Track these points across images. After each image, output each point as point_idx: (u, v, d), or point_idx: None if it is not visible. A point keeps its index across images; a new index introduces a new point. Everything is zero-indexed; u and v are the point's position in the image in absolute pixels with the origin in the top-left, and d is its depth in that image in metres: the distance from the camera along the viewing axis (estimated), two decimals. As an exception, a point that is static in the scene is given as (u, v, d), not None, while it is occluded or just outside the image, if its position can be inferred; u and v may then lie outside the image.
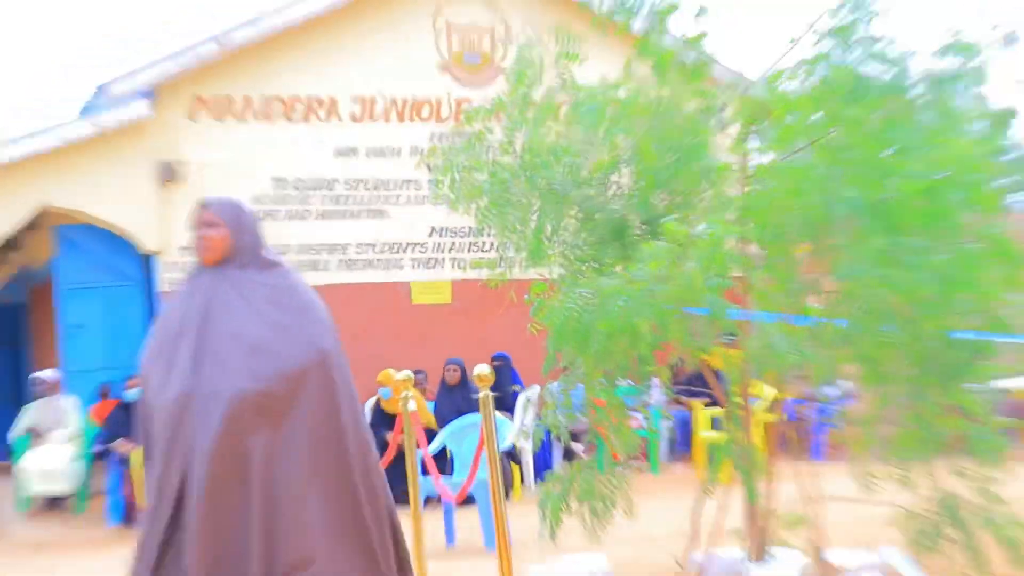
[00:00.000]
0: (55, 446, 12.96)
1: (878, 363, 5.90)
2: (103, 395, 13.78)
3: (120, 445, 12.06)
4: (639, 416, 12.87)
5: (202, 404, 4.58)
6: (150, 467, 4.84)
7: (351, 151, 14.80)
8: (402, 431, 7.86)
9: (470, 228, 8.41)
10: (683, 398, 13.77)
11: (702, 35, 6.61)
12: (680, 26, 6.65)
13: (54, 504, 13.05)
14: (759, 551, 6.49)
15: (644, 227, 6.54)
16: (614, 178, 6.73)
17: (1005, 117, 6.08)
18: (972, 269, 5.47)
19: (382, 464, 5.32)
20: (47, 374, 13.76)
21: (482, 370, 6.22)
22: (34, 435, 13.08)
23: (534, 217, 6.67)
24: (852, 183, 5.59)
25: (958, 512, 6.08)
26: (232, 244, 4.87)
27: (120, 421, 12.22)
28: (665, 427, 13.97)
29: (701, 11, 6.56)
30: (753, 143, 6.53)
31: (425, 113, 15.02)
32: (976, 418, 6.02)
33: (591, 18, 6.99)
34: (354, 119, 14.82)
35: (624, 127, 6.56)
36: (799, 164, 5.84)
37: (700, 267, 5.46)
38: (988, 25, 6.13)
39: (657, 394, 13.21)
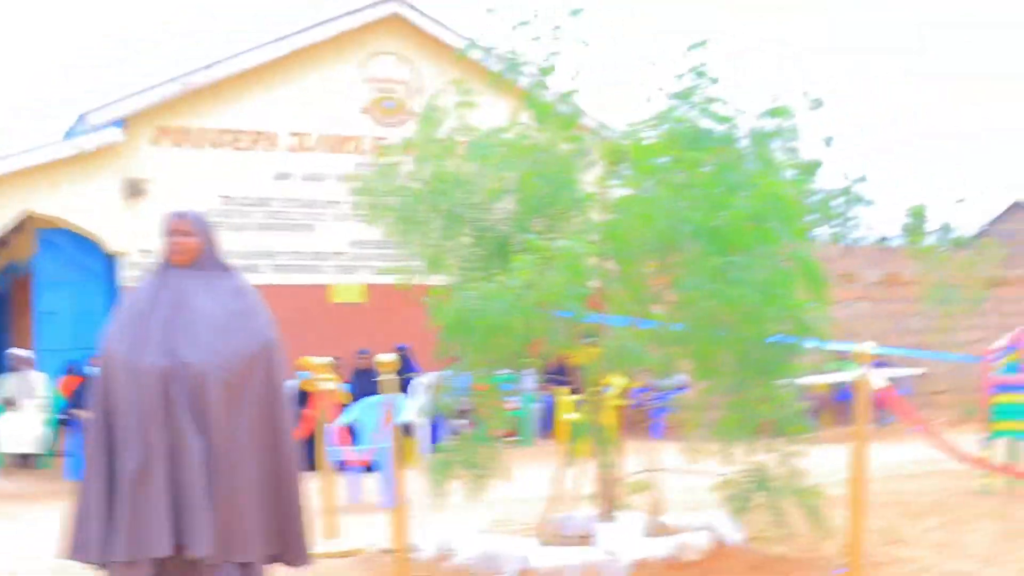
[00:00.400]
0: (27, 413, 12.67)
1: (708, 360, 5.94)
2: (69, 371, 13.51)
3: (82, 413, 11.76)
4: (515, 399, 12.91)
5: (181, 373, 4.49)
6: (113, 425, 4.69)
7: (287, 176, 14.74)
8: (318, 408, 7.76)
9: (383, 241, 8.28)
10: (550, 385, 13.76)
11: (573, 91, 6.64)
12: (558, 84, 6.69)
13: (25, 461, 12.75)
14: (608, 512, 6.47)
15: (524, 244, 6.51)
16: (501, 204, 6.68)
17: (813, 166, 6.19)
18: (785, 285, 5.53)
19: (302, 435, 5.25)
20: (21, 351, 13.46)
21: (386, 358, 6.15)
22: (8, 403, 12.76)
23: (435, 234, 6.61)
24: (691, 213, 5.62)
25: (767, 482, 6.14)
26: (200, 250, 4.83)
27: (83, 393, 11.96)
28: (536, 409, 13.97)
29: (576, 73, 6.61)
30: (613, 179, 6.54)
31: (349, 147, 14.96)
32: (785, 406, 6.09)
33: (487, 75, 7.00)
34: (290, 150, 14.77)
35: (510, 163, 6.53)
36: (649, 197, 5.86)
37: (563, 277, 5.45)
38: (801, 92, 6.25)
39: (530, 381, 13.23)
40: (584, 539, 6.30)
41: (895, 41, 68.79)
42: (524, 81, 6.74)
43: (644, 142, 6.18)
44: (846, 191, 6.33)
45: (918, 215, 18.79)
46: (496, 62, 6.90)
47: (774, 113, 6.16)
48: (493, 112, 6.93)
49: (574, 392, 13.02)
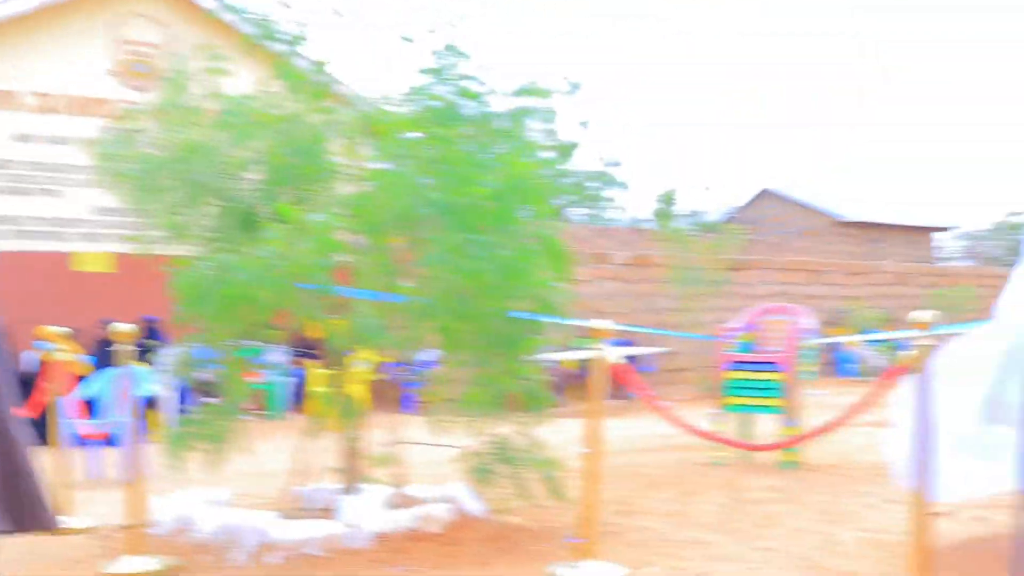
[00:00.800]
0: None
1: (453, 335, 5.97)
2: None
3: None
4: (265, 372, 12.70)
5: None
6: None
7: (30, 138, 13.98)
8: (52, 380, 7.40)
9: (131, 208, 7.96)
10: (303, 359, 13.61)
11: (325, 61, 6.55)
12: (312, 52, 6.58)
13: None
14: (351, 485, 6.44)
15: (274, 214, 6.38)
16: (248, 174, 6.52)
17: (569, 148, 6.29)
18: (527, 263, 5.61)
19: (38, 408, 4.97)
20: None
21: (123, 328, 5.91)
22: None
23: (178, 203, 6.39)
24: (438, 189, 5.62)
25: (509, 453, 6.24)
26: None
27: None
28: (287, 382, 13.80)
29: (328, 45, 6.53)
30: (364, 151, 6.49)
31: (97, 110, 14.31)
32: (528, 380, 6.19)
33: (241, 40, 6.82)
34: (35, 111, 14.01)
35: (258, 133, 6.38)
36: (398, 171, 5.83)
37: (312, 249, 5.37)
38: (560, 75, 6.35)
39: (280, 355, 13.05)
40: (327, 512, 6.26)
41: (828, 24, 72.80)
42: (277, 48, 6.60)
43: (395, 117, 6.16)
44: (601, 174, 6.46)
45: (668, 200, 19.53)
46: (250, 27, 6.73)
47: (526, 92, 6.23)
48: (247, 79, 6.77)
49: (326, 366, 12.97)
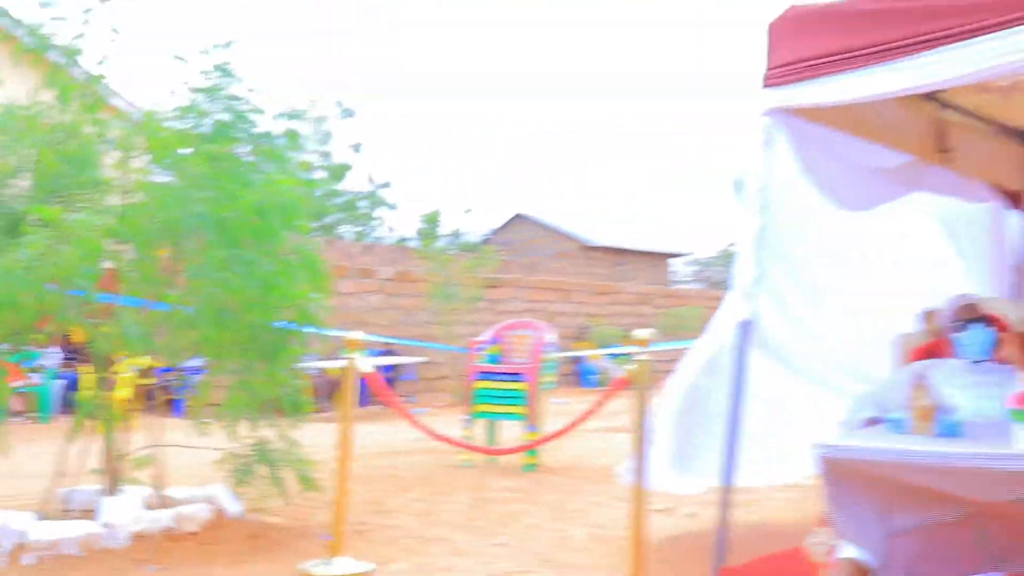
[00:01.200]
0: None
1: (215, 343, 5.87)
2: None
3: None
4: (33, 375, 12.10)
5: None
6: None
7: None
8: None
9: None
10: (74, 362, 13.04)
11: (101, 76, 6.33)
12: (88, 64, 6.35)
13: None
14: (112, 487, 6.22)
15: (36, 223, 6.11)
16: (16, 181, 6.22)
17: (342, 170, 6.32)
18: (287, 277, 5.58)
19: None
20: None
21: None
22: None
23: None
24: (204, 203, 5.53)
25: (268, 454, 6.18)
26: None
27: None
28: (57, 385, 13.17)
29: (103, 59, 6.31)
30: (135, 163, 6.30)
31: None
32: (286, 386, 6.15)
33: (16, 46, 6.52)
34: None
35: (27, 140, 6.11)
36: (166, 184, 5.71)
37: (76, 253, 5.18)
38: (332, 99, 6.36)
39: (52, 358, 12.47)
40: (87, 513, 6.02)
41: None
42: (52, 57, 6.34)
43: (168, 132, 6.02)
44: (371, 194, 6.50)
45: (432, 220, 19.68)
46: (23, 34, 6.44)
47: (292, 116, 6.22)
48: (18, 87, 6.47)
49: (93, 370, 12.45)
